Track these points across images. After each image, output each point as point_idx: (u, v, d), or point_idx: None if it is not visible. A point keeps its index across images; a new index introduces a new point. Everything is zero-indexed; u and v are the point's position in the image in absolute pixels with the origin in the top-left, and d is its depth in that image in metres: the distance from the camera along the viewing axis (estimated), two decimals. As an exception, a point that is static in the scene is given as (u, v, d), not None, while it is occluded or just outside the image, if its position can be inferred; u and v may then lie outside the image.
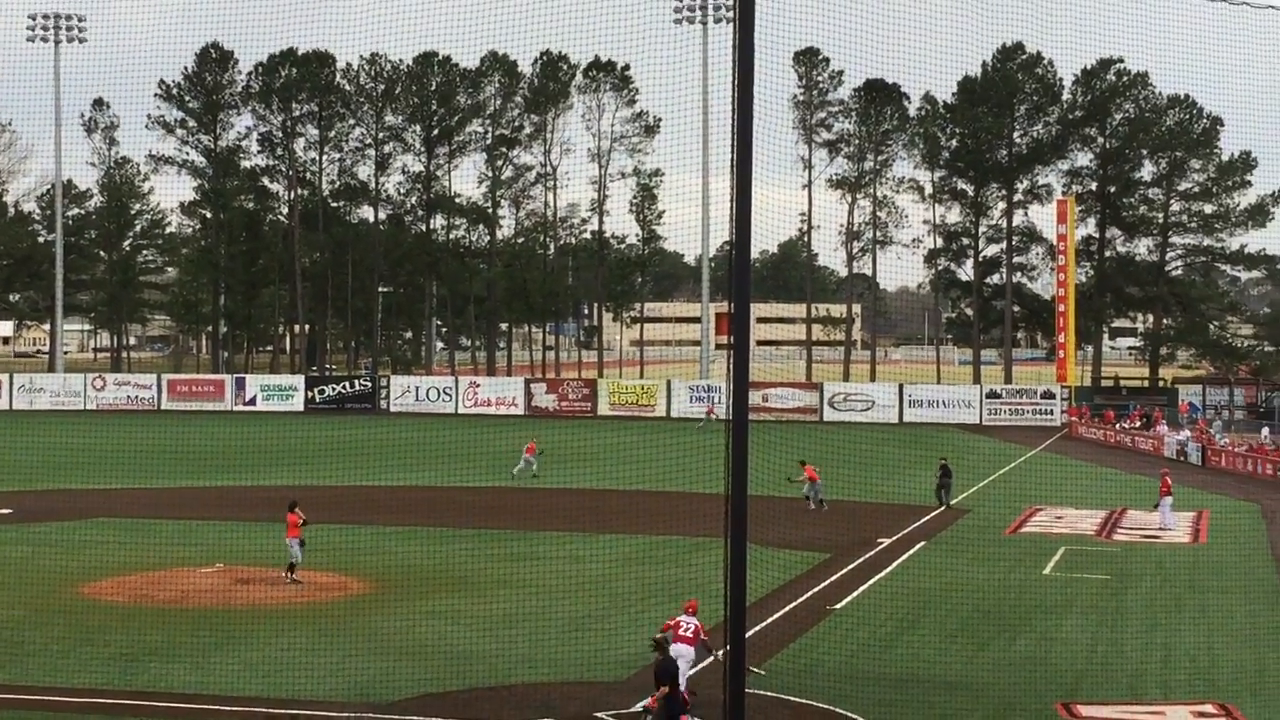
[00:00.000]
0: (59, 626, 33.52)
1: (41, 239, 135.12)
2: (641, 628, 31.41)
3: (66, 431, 77.17)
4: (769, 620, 33.89)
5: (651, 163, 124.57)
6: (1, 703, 26.72)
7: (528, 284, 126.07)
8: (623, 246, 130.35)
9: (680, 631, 25.41)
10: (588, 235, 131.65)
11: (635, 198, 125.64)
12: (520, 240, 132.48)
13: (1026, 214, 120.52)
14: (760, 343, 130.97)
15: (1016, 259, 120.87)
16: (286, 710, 26.19)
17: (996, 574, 41.45)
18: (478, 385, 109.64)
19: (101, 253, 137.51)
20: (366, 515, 51.39)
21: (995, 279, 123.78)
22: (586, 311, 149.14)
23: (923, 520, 51.44)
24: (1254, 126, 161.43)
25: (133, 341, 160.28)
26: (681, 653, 25.01)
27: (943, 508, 54.30)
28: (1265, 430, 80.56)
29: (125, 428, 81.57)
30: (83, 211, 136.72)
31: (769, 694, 26.84)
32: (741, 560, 17.50)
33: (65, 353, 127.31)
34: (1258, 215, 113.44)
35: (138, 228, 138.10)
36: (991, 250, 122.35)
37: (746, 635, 18.66)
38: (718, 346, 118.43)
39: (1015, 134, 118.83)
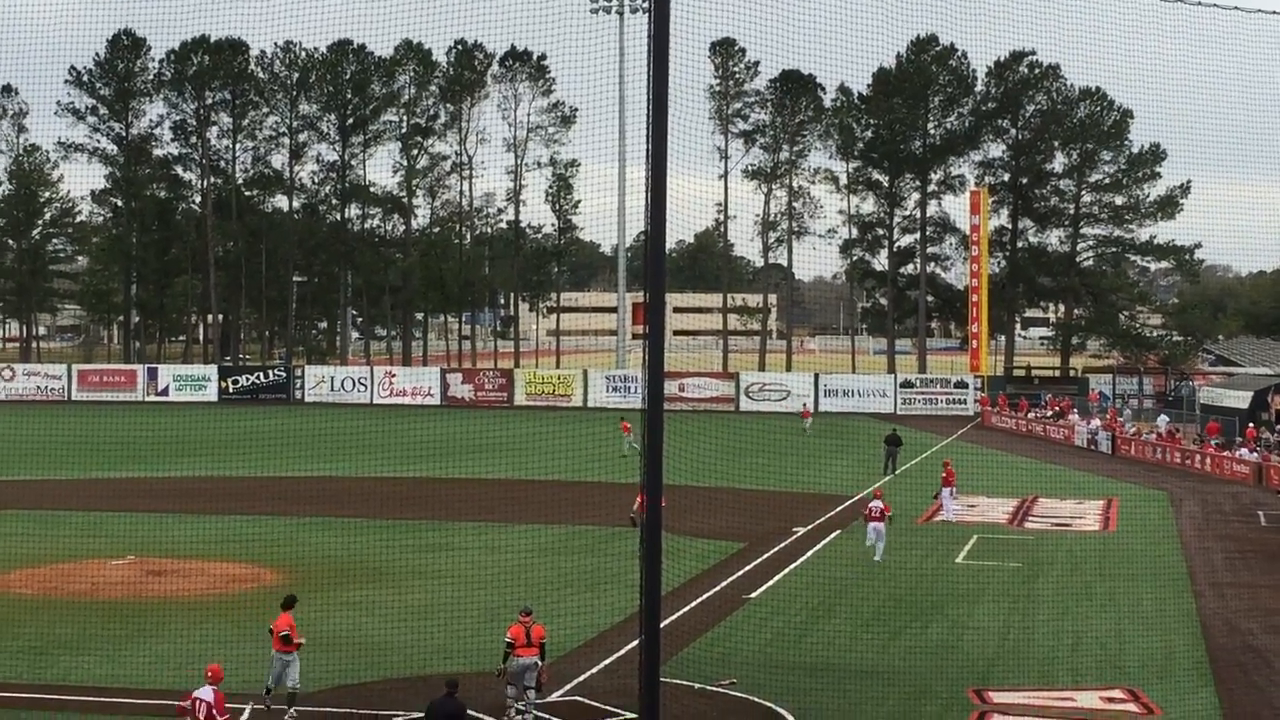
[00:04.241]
0: (-34, 620, 33.12)
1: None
2: (559, 617, 31.44)
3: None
4: (685, 609, 34.01)
5: (568, 152, 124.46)
6: (-93, 698, 26.40)
7: (444, 274, 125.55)
8: (539, 236, 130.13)
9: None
10: (504, 225, 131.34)
11: (551, 187, 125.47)
12: (436, 230, 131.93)
13: (940, 205, 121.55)
14: (676, 332, 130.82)
15: (930, 249, 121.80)
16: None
17: (910, 562, 41.79)
18: (393, 375, 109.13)
19: (10, 241, 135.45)
20: (281, 506, 51.08)
21: (909, 269, 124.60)
22: (503, 301, 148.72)
23: (838, 509, 51.76)
24: (1164, 119, 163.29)
25: (42, 331, 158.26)
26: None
27: (889, 477, 54.90)
28: (1163, 419, 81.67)
29: (35, 418, 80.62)
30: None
31: (684, 683, 26.95)
32: (657, 549, 17.55)
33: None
34: (1167, 207, 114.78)
35: (47, 216, 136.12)
36: (906, 240, 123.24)
37: (662, 624, 18.71)
38: (634, 336, 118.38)
39: (929, 125, 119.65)
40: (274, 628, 25.58)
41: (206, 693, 21.57)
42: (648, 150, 18.97)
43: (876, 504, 42.66)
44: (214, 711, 21.26)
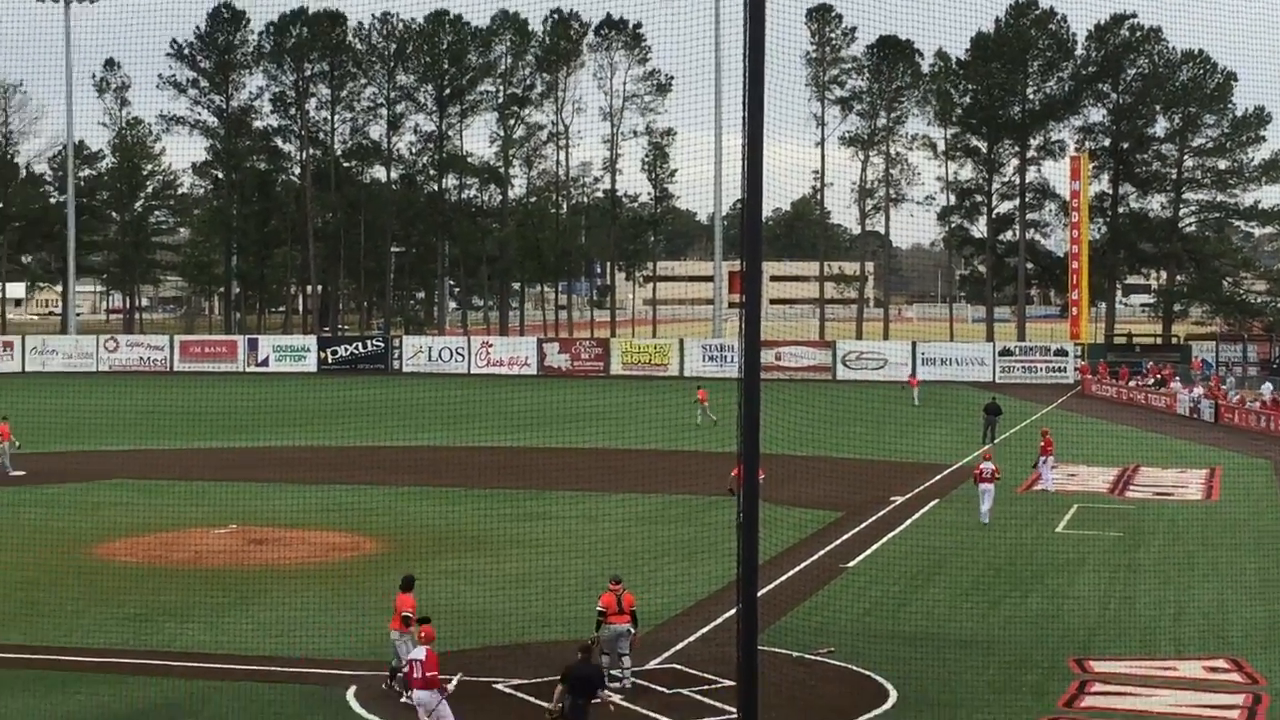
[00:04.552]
0: (73, 587, 33.67)
1: (53, 200, 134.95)
2: (656, 586, 31.51)
3: (79, 393, 77.28)
4: (782, 578, 33.95)
5: (664, 121, 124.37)
6: (17, 663, 26.88)
7: (540, 243, 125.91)
8: (635, 205, 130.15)
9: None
10: (600, 194, 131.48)
11: (647, 156, 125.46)
12: (532, 199, 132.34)
13: (1040, 170, 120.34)
14: (773, 301, 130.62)
15: (1030, 216, 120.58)
16: (302, 669, 26.32)
17: (1009, 532, 41.46)
18: (490, 345, 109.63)
19: (114, 214, 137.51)
20: (379, 475, 51.51)
21: (1008, 236, 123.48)
22: (599, 271, 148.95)
23: (936, 478, 51.44)
24: (1269, 82, 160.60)
25: (145, 303, 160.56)
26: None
27: (988, 446, 54.77)
28: (1267, 386, 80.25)
29: (138, 389, 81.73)
30: (95, 172, 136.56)
31: (782, 651, 26.92)
32: (754, 519, 17.49)
33: (78, 314, 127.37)
34: (1271, 171, 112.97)
35: (150, 189, 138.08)
36: (1005, 207, 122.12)
37: (759, 593, 18.68)
38: (730, 305, 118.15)
39: (1028, 90, 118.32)
40: (396, 607, 24.82)
41: (420, 652, 21.82)
42: (744, 118, 18.85)
43: (988, 465, 42.68)
44: (426, 670, 21.51)
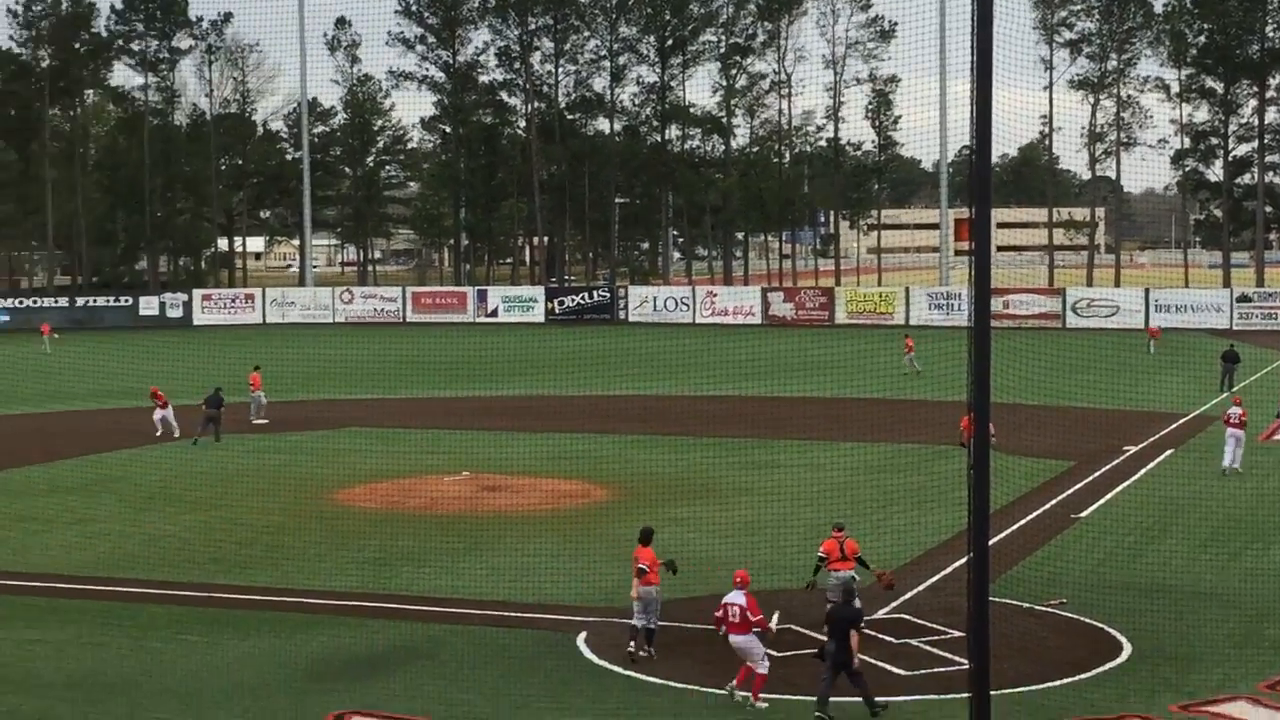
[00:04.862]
0: (315, 532, 34.74)
1: (289, 156, 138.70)
2: (885, 535, 31.42)
3: (317, 344, 79.46)
4: (1013, 528, 33.55)
5: (888, 68, 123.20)
6: (264, 604, 27.84)
7: (763, 193, 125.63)
8: (859, 153, 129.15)
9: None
10: (823, 143, 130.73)
11: (871, 103, 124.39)
12: (755, 149, 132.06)
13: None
14: (1001, 248, 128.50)
15: (1269, 158, 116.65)
16: (533, 614, 26.81)
17: (1249, 483, 40.36)
18: (715, 294, 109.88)
19: (346, 169, 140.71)
20: (608, 424, 52.07)
21: (1246, 179, 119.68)
22: (823, 219, 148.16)
23: (1171, 427, 50.29)
24: None
25: (378, 255, 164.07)
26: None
27: (1225, 394, 53.58)
28: None
29: (373, 339, 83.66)
30: (328, 129, 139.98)
31: (1012, 602, 26.62)
32: (985, 466, 17.32)
33: (314, 267, 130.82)
34: None
35: (380, 144, 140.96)
36: (1242, 150, 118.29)
37: (990, 543, 18.51)
38: (957, 253, 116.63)
39: (1267, 28, 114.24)
40: (636, 558, 24.32)
41: (738, 597, 22.04)
42: (972, 63, 18.56)
43: (1235, 410, 41.63)
44: (747, 614, 21.73)
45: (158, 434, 49.90)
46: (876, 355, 70.33)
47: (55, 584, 29.57)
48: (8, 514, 37.59)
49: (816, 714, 20.72)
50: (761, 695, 21.42)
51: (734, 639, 21.83)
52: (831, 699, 20.95)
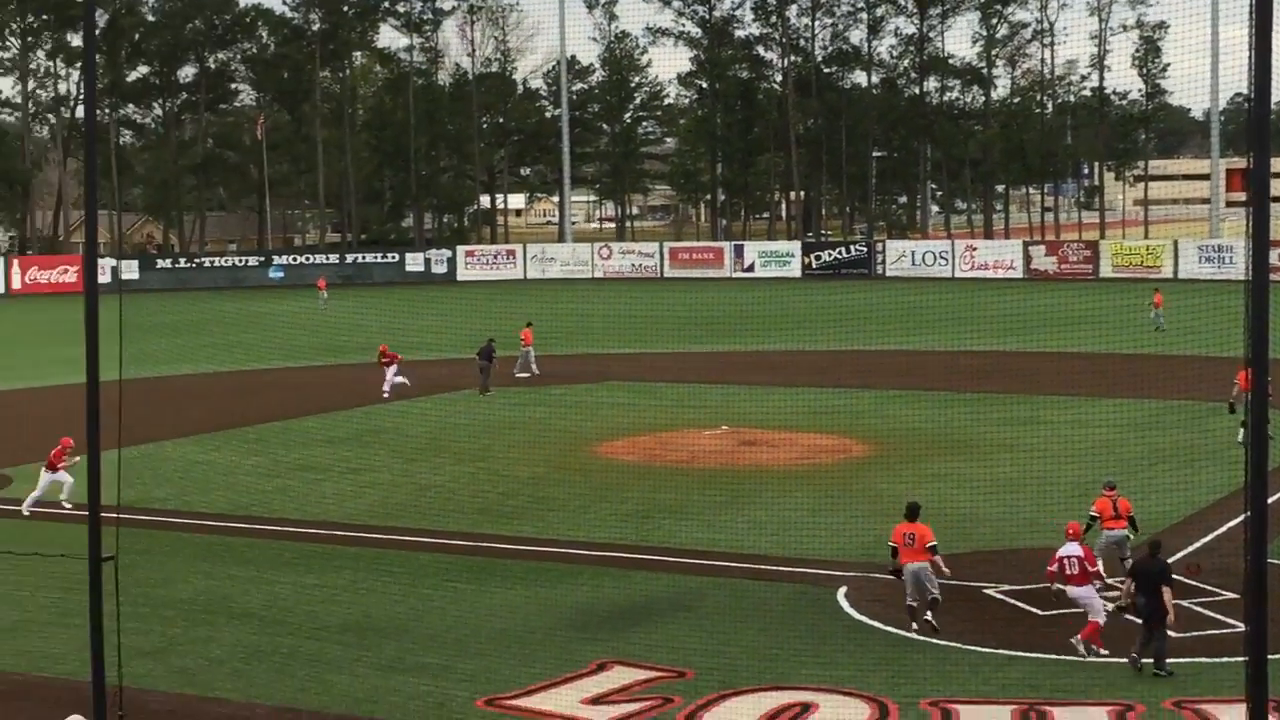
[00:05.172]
0: (576, 484, 35.32)
1: (549, 114, 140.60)
2: (1154, 493, 30.65)
3: (576, 299, 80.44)
4: (1288, 488, 32.45)
5: (1155, 14, 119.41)
6: (529, 555, 28.44)
7: (1024, 145, 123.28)
8: (1124, 103, 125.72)
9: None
10: (1087, 92, 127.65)
11: (1138, 51, 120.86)
12: (1016, 100, 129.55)
13: None
14: (1276, 199, 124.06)
15: None
16: (793, 568, 26.88)
17: None
18: (974, 249, 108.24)
19: (604, 125, 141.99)
20: (865, 379, 51.73)
21: None
22: (1086, 171, 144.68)
23: None
24: None
25: (635, 211, 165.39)
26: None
27: None
28: None
29: (631, 294, 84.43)
30: (586, 86, 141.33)
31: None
32: (1263, 422, 16.81)
33: (573, 223, 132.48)
34: None
35: (637, 100, 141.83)
36: None
37: (1269, 501, 17.95)
38: (1228, 204, 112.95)
39: None
40: (911, 536, 22.94)
41: (1074, 548, 22.16)
42: (1251, 6, 17.93)
43: None
44: (1085, 564, 21.91)
45: (385, 395, 49.48)
46: (1143, 310, 68.57)
47: (331, 530, 30.63)
48: (287, 463, 39.06)
49: (1155, 671, 20.63)
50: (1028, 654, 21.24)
51: (1074, 591, 21.86)
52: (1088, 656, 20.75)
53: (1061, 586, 21.94)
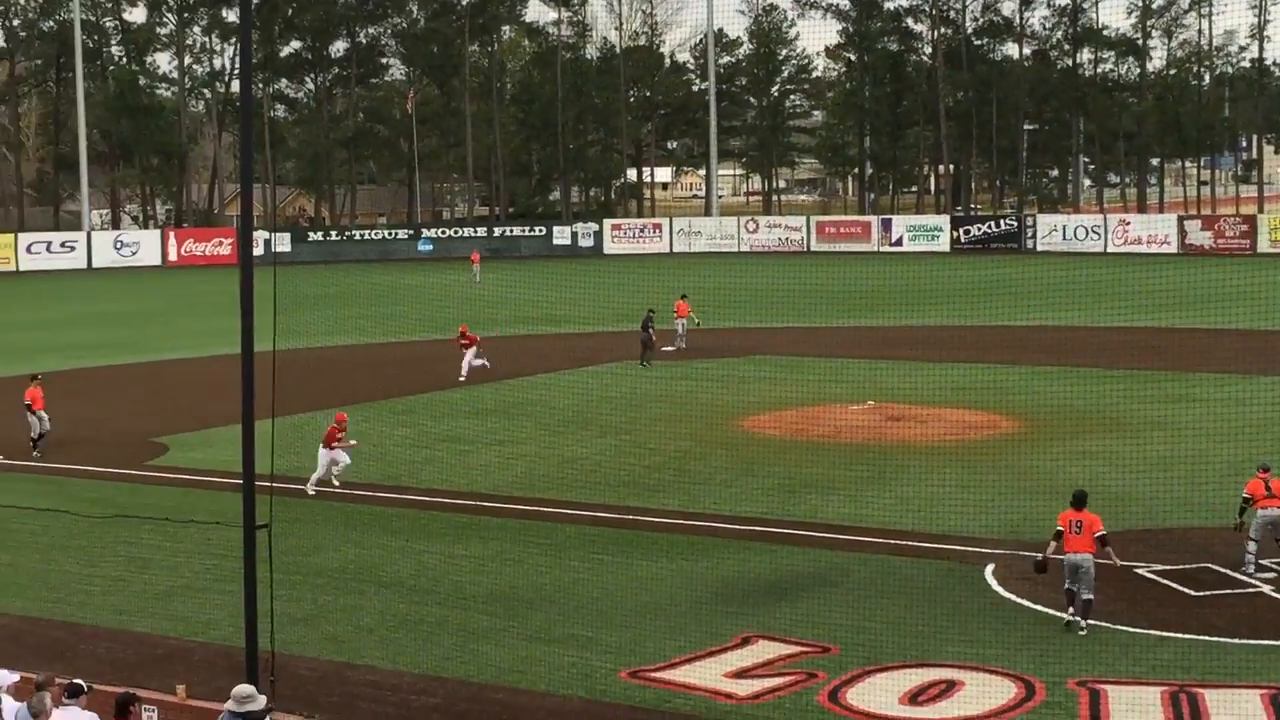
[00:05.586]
0: (722, 458, 35.37)
1: (696, 88, 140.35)
2: (1309, 474, 29.91)
3: (722, 272, 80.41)
4: None
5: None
6: (674, 528, 28.51)
7: (1180, 117, 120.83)
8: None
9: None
10: (1246, 63, 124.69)
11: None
12: (1172, 71, 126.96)
13: None
14: None
15: None
16: (939, 545, 26.69)
17: None
18: (1128, 223, 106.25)
19: (751, 99, 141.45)
20: (1015, 354, 51.22)
21: None
22: (1244, 144, 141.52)
23: None
24: None
25: (782, 185, 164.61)
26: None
27: None
28: None
29: (778, 268, 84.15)
30: (733, 59, 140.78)
31: None
32: None
33: (719, 197, 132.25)
34: None
35: (785, 73, 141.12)
36: None
37: None
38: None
39: None
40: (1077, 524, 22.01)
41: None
42: None
43: None
44: None
45: (461, 379, 48.04)
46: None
47: (478, 501, 30.95)
48: (435, 434, 39.53)
49: None
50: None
51: None
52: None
53: None
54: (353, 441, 32.93)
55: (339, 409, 35.73)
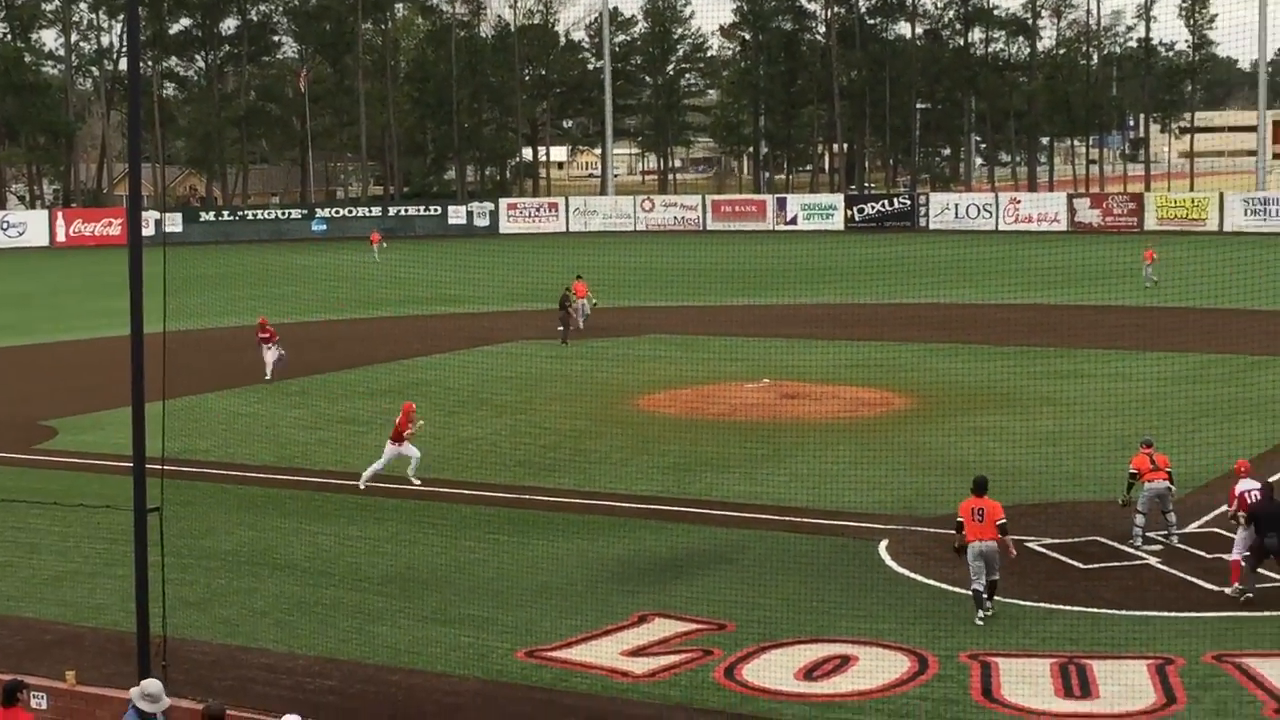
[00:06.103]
0: (617, 437, 35.43)
1: (591, 66, 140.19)
2: (1195, 448, 30.51)
3: (618, 252, 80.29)
4: (1332, 443, 32.30)
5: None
6: (570, 507, 28.54)
7: (1069, 96, 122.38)
8: (1171, 54, 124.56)
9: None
10: (1133, 43, 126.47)
11: (1184, 1, 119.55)
12: (1061, 51, 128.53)
13: None
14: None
15: None
16: (834, 521, 26.90)
17: None
18: (1018, 201, 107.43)
19: (646, 78, 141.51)
20: (908, 332, 51.68)
21: None
22: (1132, 123, 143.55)
23: None
24: None
25: (678, 164, 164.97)
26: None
27: None
28: None
29: (673, 247, 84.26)
30: (628, 38, 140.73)
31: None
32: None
33: (615, 176, 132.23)
34: None
35: (680, 52, 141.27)
36: None
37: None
38: (1276, 156, 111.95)
39: None
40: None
41: (1251, 484, 22.72)
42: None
43: None
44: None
45: (266, 377, 44.31)
46: (1187, 263, 68.04)
47: (373, 483, 30.71)
48: (329, 416, 39.28)
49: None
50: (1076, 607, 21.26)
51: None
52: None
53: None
54: (420, 421, 31.26)
55: (339, 411, 35.30)
